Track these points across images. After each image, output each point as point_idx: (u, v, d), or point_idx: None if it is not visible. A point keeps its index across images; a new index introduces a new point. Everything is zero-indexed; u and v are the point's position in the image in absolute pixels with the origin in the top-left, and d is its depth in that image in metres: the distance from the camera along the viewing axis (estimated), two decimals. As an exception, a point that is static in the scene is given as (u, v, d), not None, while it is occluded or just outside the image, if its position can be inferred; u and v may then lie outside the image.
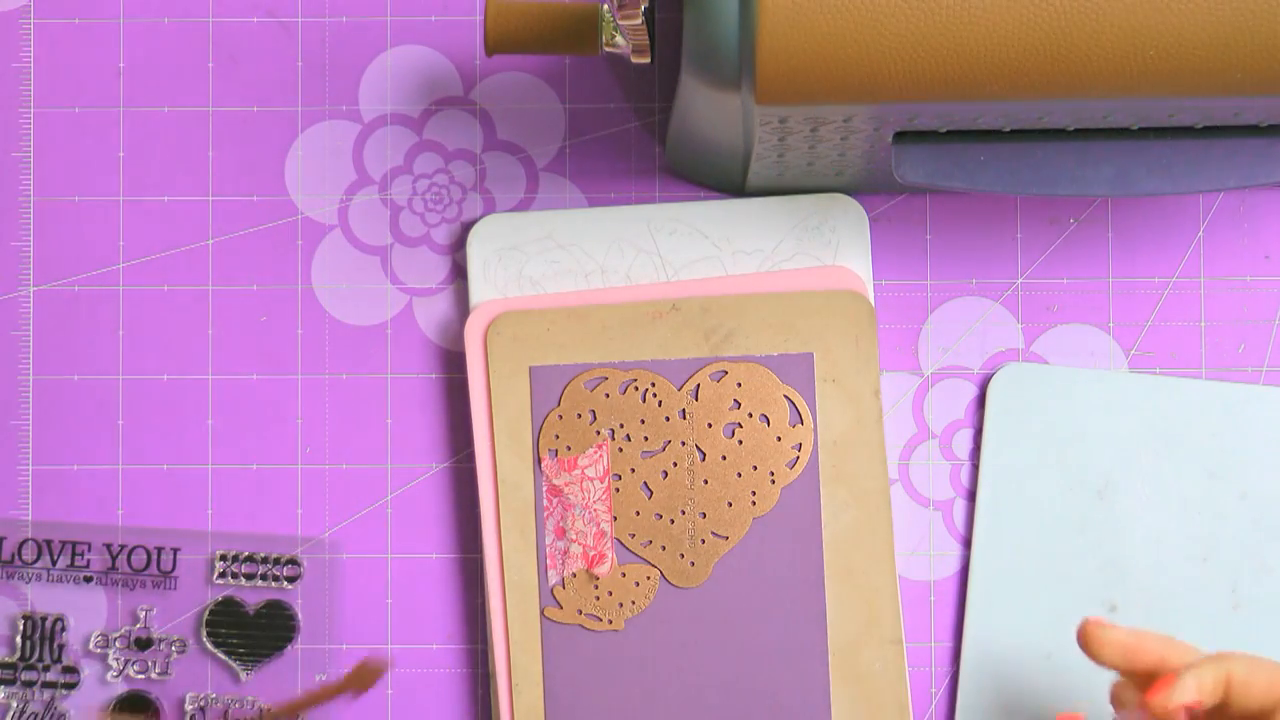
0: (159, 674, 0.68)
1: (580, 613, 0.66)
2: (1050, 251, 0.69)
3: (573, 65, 0.69)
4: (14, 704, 0.68)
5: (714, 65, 0.55)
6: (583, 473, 0.66)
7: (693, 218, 0.67)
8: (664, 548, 0.66)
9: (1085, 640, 0.59)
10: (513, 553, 0.66)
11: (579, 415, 0.66)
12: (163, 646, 0.68)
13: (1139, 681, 0.59)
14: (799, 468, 0.66)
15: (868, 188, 0.67)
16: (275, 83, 0.69)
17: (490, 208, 0.69)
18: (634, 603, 0.66)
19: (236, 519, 0.68)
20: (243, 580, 0.68)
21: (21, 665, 0.68)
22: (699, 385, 0.66)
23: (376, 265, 0.69)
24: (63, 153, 0.69)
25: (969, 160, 0.59)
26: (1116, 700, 0.60)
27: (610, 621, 0.66)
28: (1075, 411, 0.67)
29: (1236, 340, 0.68)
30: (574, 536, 0.66)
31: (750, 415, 0.66)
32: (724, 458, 0.66)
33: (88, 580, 0.68)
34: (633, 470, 0.66)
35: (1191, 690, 0.57)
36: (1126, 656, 0.59)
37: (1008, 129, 0.58)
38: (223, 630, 0.68)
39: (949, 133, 0.59)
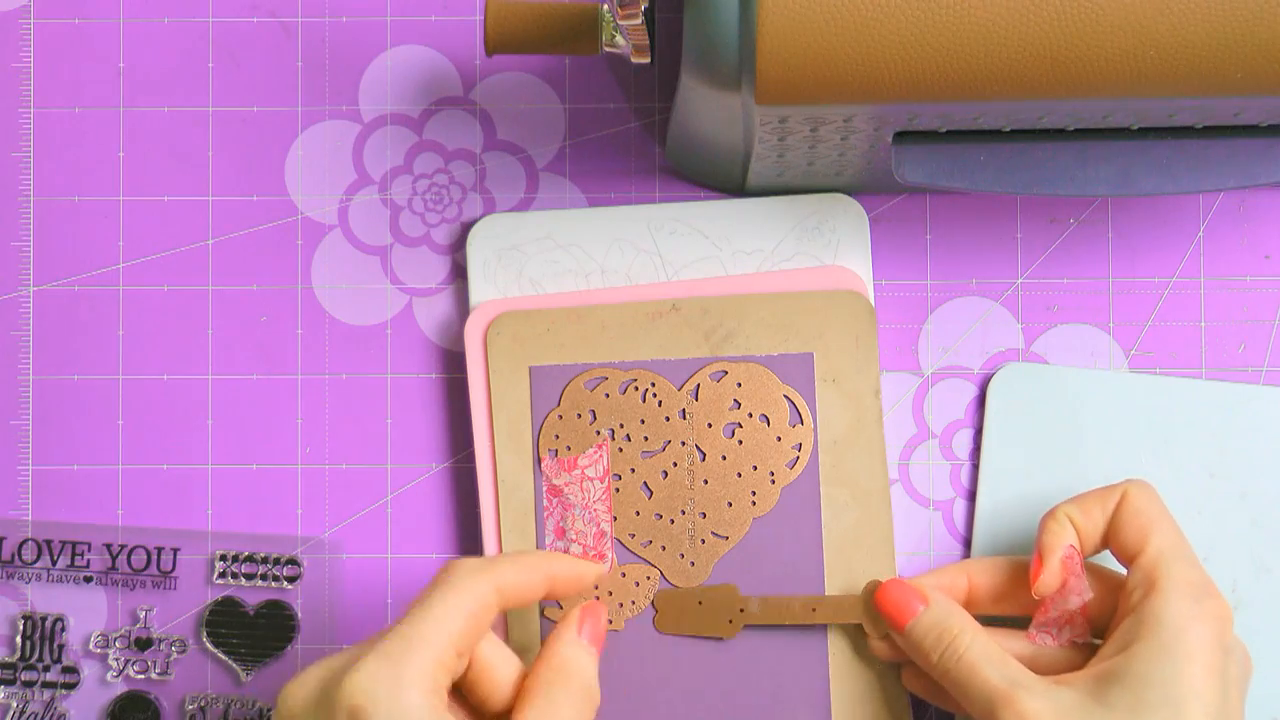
0: (159, 674, 0.68)
1: (580, 613, 0.66)
2: (1050, 251, 0.69)
3: (573, 65, 0.69)
4: (14, 704, 0.68)
5: (714, 65, 0.55)
6: (583, 473, 0.66)
7: (693, 218, 0.67)
8: (664, 548, 0.66)
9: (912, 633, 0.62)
10: (513, 553, 0.66)
11: (579, 415, 0.66)
12: (163, 646, 0.68)
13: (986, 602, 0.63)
14: (799, 468, 0.66)
15: (868, 188, 0.67)
16: (275, 83, 0.69)
17: (490, 208, 0.69)
18: (634, 603, 0.66)
19: (236, 519, 0.68)
20: (243, 580, 0.68)
21: (21, 665, 0.68)
22: (699, 385, 0.66)
23: (376, 265, 0.69)
24: (63, 153, 0.69)
25: (969, 160, 0.59)
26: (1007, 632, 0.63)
27: (610, 621, 0.66)
28: (1075, 411, 0.67)
29: (1236, 340, 0.68)
30: (574, 536, 0.66)
31: (750, 415, 0.66)
32: (724, 458, 0.66)
33: (88, 580, 0.68)
34: (633, 470, 0.66)
35: (1054, 546, 0.60)
36: (955, 594, 0.63)
37: (1008, 129, 0.58)
38: (223, 630, 0.68)
39: (949, 133, 0.59)
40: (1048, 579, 0.60)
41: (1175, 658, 0.56)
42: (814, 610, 0.64)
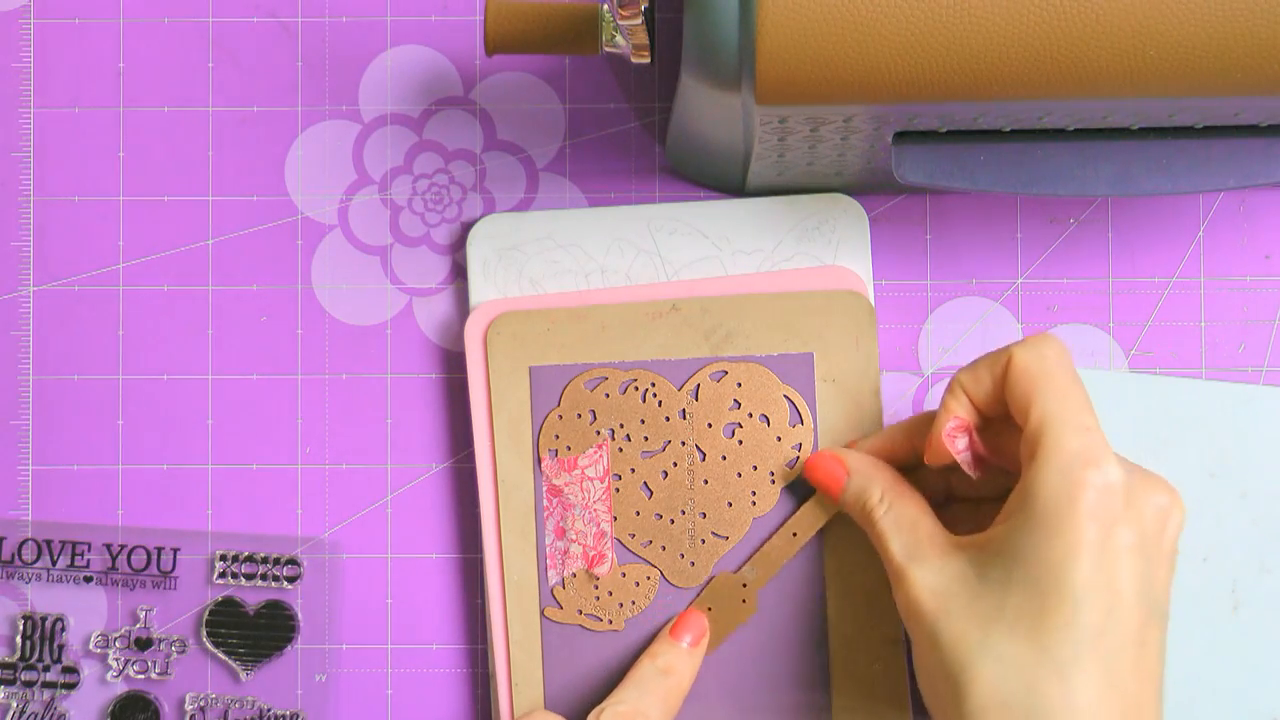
0: (159, 674, 0.68)
1: (580, 613, 0.66)
2: (1050, 251, 0.69)
3: (573, 65, 0.69)
4: (14, 704, 0.68)
5: (714, 65, 0.55)
6: (583, 473, 0.66)
7: (693, 218, 0.67)
8: (664, 548, 0.66)
9: (842, 492, 0.63)
10: (513, 553, 0.66)
11: (579, 415, 0.66)
12: (163, 646, 0.68)
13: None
14: (799, 468, 0.66)
15: (868, 188, 0.67)
16: (275, 83, 0.69)
17: (490, 208, 0.69)
18: (634, 603, 0.66)
19: (236, 519, 0.68)
20: (243, 580, 0.68)
21: (21, 665, 0.68)
22: (699, 385, 0.66)
23: (376, 265, 0.69)
24: (63, 153, 0.69)
25: (969, 160, 0.59)
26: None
27: (610, 621, 0.66)
28: (1075, 411, 0.67)
29: (1236, 340, 0.68)
30: (574, 536, 0.66)
31: (750, 415, 0.66)
32: (724, 458, 0.66)
33: (88, 580, 0.68)
34: (633, 470, 0.66)
35: (943, 419, 0.59)
36: (890, 457, 0.63)
37: (1008, 129, 0.58)
38: (223, 630, 0.68)
39: (949, 133, 0.59)
40: (931, 453, 0.60)
41: (1042, 534, 0.54)
42: (794, 535, 0.65)
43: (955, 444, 0.59)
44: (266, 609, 0.68)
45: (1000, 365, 0.58)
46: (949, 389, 0.60)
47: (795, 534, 0.65)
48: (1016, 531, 0.55)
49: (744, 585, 0.65)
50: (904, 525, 0.59)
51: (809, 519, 0.65)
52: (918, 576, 0.57)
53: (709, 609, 0.65)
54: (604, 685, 0.66)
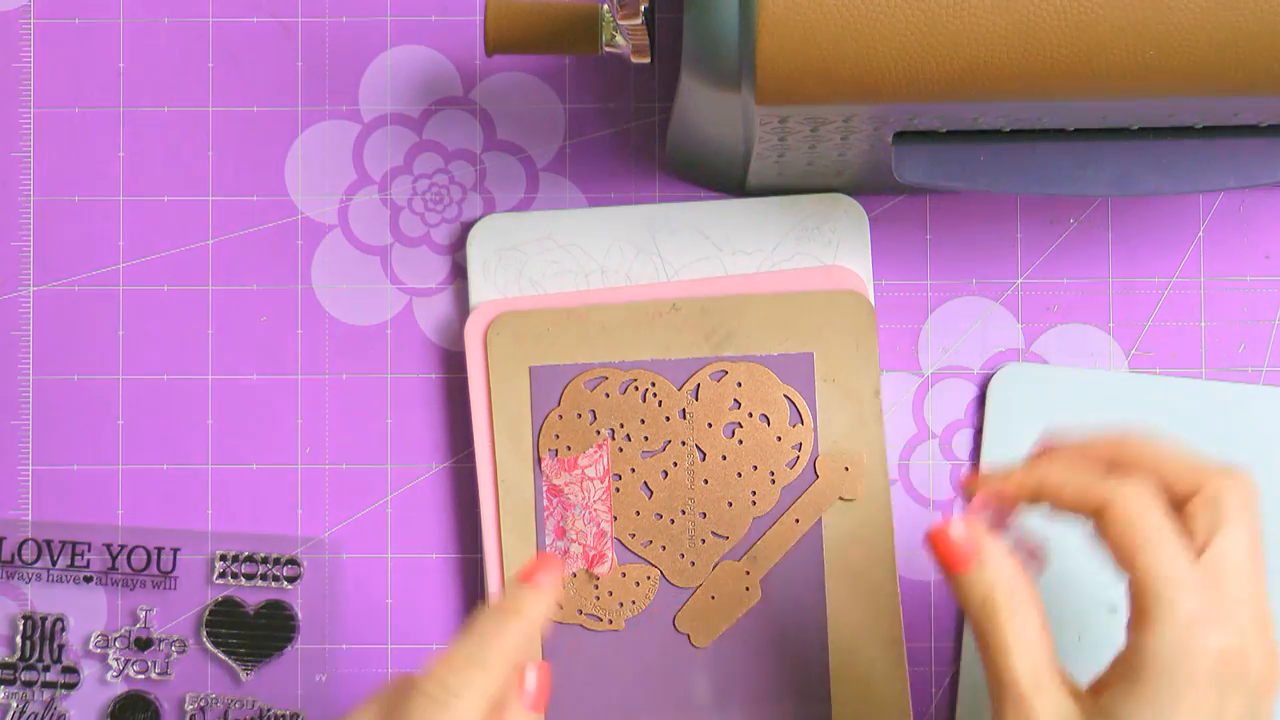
0: (159, 674, 0.68)
1: (580, 613, 0.66)
2: (1050, 251, 0.69)
3: (573, 65, 0.69)
4: (14, 704, 0.68)
5: (714, 65, 0.55)
6: (583, 473, 0.66)
7: (693, 218, 0.67)
8: (664, 548, 0.66)
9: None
10: (513, 553, 0.66)
11: (579, 415, 0.66)
12: (163, 646, 0.68)
13: None
14: (799, 468, 0.66)
15: (868, 188, 0.67)
16: (275, 83, 0.69)
17: (490, 208, 0.69)
18: (634, 603, 0.66)
19: (236, 519, 0.68)
20: (243, 580, 0.68)
21: (21, 665, 0.68)
22: (699, 385, 0.66)
23: (376, 265, 0.69)
24: (63, 153, 0.69)
25: (969, 160, 0.59)
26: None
27: (610, 621, 0.66)
28: (1075, 411, 0.67)
29: (1236, 340, 0.68)
30: (574, 536, 0.66)
31: (750, 415, 0.66)
32: (724, 458, 0.66)
33: (88, 580, 0.68)
34: (633, 470, 0.66)
35: (976, 512, 0.57)
36: (1003, 505, 0.58)
37: (1008, 129, 0.58)
38: (223, 630, 0.68)
39: (949, 133, 0.59)
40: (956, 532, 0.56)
41: (1157, 704, 0.52)
42: (797, 521, 0.65)
43: (956, 530, 0.56)
44: (266, 609, 0.68)
45: (1093, 500, 0.55)
46: (1032, 464, 0.56)
47: (798, 520, 0.65)
48: (1129, 696, 0.53)
49: (747, 573, 0.65)
50: (1031, 641, 0.55)
51: (811, 505, 0.65)
52: (1040, 709, 0.54)
53: (712, 597, 0.65)
54: (604, 685, 0.66)
